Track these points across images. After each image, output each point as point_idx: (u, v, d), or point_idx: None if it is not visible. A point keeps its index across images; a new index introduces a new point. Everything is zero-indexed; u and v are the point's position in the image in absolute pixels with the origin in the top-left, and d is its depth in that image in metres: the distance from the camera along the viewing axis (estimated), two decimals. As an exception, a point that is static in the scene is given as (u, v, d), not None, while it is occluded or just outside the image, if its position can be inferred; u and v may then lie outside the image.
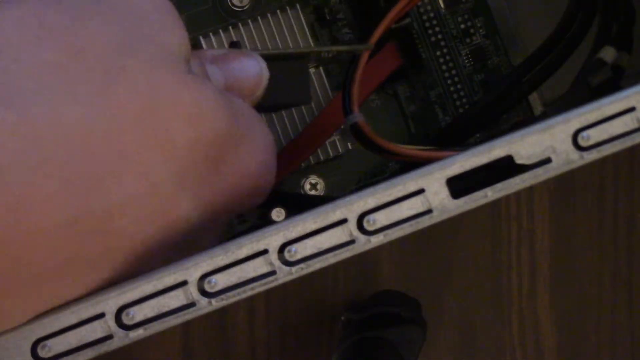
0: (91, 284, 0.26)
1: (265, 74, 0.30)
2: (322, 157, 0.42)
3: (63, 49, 0.25)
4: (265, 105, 0.31)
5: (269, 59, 0.31)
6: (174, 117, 0.26)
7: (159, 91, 0.25)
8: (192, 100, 0.26)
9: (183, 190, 0.26)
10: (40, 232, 0.24)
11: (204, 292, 0.26)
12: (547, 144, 0.27)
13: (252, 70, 0.30)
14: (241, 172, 0.28)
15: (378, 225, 0.27)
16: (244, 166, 0.28)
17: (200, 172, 0.27)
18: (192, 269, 0.26)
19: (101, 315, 0.26)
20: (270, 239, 0.26)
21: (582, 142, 0.27)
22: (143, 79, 0.25)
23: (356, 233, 0.27)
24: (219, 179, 0.28)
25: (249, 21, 0.42)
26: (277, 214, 0.41)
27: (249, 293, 0.26)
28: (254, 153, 0.29)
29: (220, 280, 0.26)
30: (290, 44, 0.42)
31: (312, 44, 0.42)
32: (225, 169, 0.28)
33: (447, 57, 0.44)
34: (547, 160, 0.27)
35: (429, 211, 0.27)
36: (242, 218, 0.42)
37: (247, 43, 0.42)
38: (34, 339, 0.26)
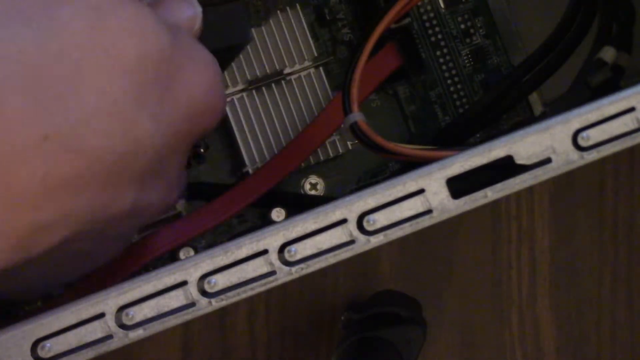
0: (70, 208, 0.26)
1: (198, 12, 0.32)
2: (322, 157, 0.42)
3: None
4: (213, 52, 0.32)
5: (205, 4, 0.32)
6: (119, 33, 0.27)
7: (100, 9, 0.27)
8: (133, 16, 0.28)
9: (142, 108, 0.27)
10: (16, 151, 0.25)
11: (203, 292, 0.26)
12: (547, 144, 0.27)
13: (186, 10, 0.32)
14: (193, 90, 0.30)
15: (378, 226, 0.27)
16: (195, 84, 0.30)
17: (155, 89, 0.28)
18: (192, 269, 0.26)
19: (101, 315, 0.26)
20: (270, 239, 0.26)
21: (582, 142, 0.27)
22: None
23: (356, 233, 0.27)
24: (174, 97, 0.29)
25: (249, 21, 0.42)
26: (277, 214, 0.41)
27: (249, 293, 0.26)
28: (202, 71, 0.30)
29: (220, 281, 0.26)
30: (290, 45, 0.42)
31: (312, 44, 0.42)
32: (177, 87, 0.29)
33: (447, 57, 0.44)
34: (547, 161, 0.27)
35: (428, 211, 0.27)
36: (242, 218, 0.42)
37: (247, 43, 0.42)
38: (33, 339, 0.26)
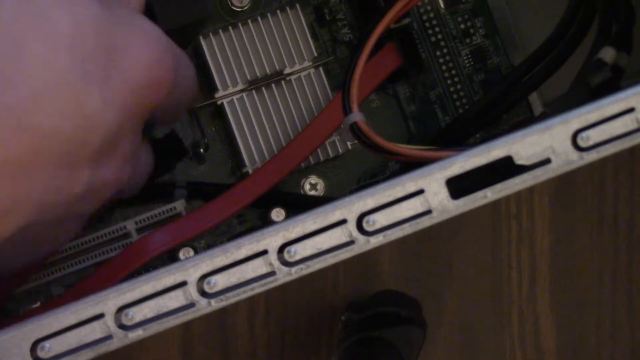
0: (23, 193, 0.26)
1: None
2: (322, 157, 0.42)
3: None
4: (171, 30, 0.32)
5: None
6: (48, 4, 0.27)
7: None
8: None
9: (89, 82, 0.27)
10: None
11: (203, 293, 0.26)
12: (546, 144, 0.27)
13: None
14: (139, 62, 0.29)
15: (377, 226, 0.27)
16: (140, 56, 0.29)
17: (99, 62, 0.28)
18: (192, 270, 0.26)
19: (100, 316, 0.26)
20: (270, 239, 0.26)
21: (582, 143, 0.27)
22: None
23: (355, 234, 0.27)
24: (119, 70, 0.29)
25: (249, 21, 0.42)
26: (277, 214, 0.41)
27: (249, 294, 0.26)
28: (146, 43, 0.30)
29: (220, 281, 0.26)
30: (290, 45, 0.42)
31: (312, 44, 0.42)
32: (122, 60, 0.29)
33: (447, 57, 0.44)
34: (547, 161, 0.27)
35: (428, 212, 0.27)
36: (241, 218, 0.42)
37: (247, 44, 0.42)
38: (33, 339, 0.26)
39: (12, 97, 0.25)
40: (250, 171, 0.41)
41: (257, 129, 0.42)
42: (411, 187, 0.27)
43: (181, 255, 0.41)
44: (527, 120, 0.44)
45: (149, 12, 0.34)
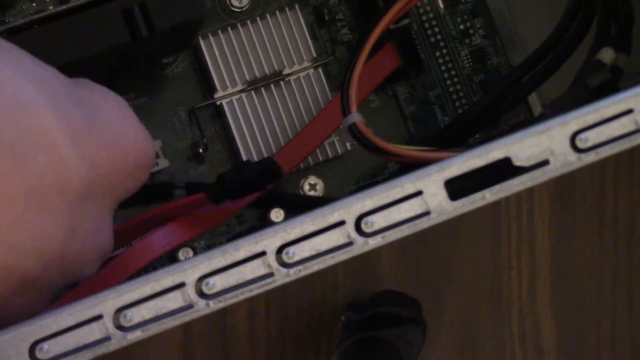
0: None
1: None
2: (321, 158, 0.42)
3: None
4: (168, 29, 0.32)
5: None
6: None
7: None
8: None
9: (62, 124, 0.27)
10: None
11: (201, 294, 0.26)
12: (545, 146, 0.27)
13: None
14: (113, 126, 0.29)
15: (376, 227, 0.27)
16: (114, 121, 0.30)
17: (70, 107, 0.28)
18: (190, 271, 0.26)
19: (99, 317, 0.26)
20: (268, 240, 0.27)
21: (580, 144, 0.27)
22: None
23: (354, 235, 0.27)
24: (93, 128, 0.29)
25: (248, 22, 0.42)
26: (276, 214, 0.41)
27: (247, 295, 0.27)
28: (117, 112, 0.30)
29: (218, 282, 0.26)
30: (289, 45, 0.42)
31: (311, 45, 0.42)
32: (96, 121, 0.29)
33: (447, 58, 0.44)
34: (545, 162, 0.27)
35: (426, 213, 0.27)
36: (241, 218, 0.42)
37: (246, 44, 0.42)
38: (31, 340, 0.26)
39: None
40: (249, 172, 0.41)
41: (256, 129, 0.42)
42: (410, 189, 0.27)
43: (180, 255, 0.41)
44: (527, 120, 0.44)
45: (144, 11, 0.34)
